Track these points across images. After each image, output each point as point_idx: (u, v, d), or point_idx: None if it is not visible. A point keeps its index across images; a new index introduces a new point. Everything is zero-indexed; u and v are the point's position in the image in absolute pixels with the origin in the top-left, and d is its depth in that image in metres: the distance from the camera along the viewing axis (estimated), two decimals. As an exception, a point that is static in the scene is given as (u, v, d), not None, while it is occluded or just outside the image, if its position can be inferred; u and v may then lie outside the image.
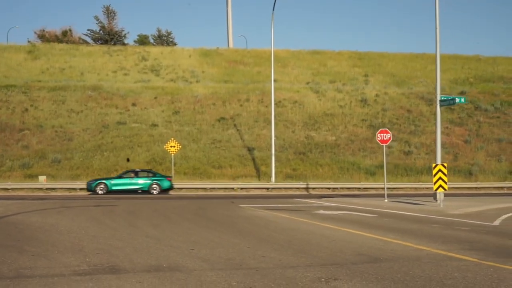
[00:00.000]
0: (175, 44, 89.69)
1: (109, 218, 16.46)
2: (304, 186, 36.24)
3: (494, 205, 22.12)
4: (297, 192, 35.54)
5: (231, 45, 78.85)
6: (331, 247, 10.20)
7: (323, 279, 7.20)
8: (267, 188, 36.29)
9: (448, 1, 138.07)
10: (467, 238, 11.85)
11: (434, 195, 21.99)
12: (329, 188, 37.09)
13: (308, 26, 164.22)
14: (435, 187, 20.14)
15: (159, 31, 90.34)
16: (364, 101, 52.93)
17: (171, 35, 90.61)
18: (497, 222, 15.73)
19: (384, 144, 25.04)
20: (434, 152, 41.87)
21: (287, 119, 48.92)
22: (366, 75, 61.62)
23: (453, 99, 22.13)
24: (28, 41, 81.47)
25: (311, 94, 54.14)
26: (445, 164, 20.46)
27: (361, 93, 54.90)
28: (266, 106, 50.69)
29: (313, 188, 36.03)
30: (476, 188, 38.47)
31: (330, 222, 15.40)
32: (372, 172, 40.85)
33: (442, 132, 45.25)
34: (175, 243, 10.80)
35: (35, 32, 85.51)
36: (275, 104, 49.62)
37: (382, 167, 39.74)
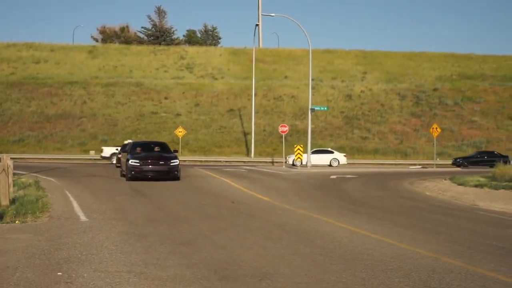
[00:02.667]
0: (220, 38, 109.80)
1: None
2: (270, 160, 55.30)
3: (341, 169, 40.52)
4: (263, 163, 54.38)
5: (261, 45, 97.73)
6: (206, 186, 29.40)
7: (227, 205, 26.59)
8: (244, 161, 55.58)
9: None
10: (291, 181, 30.80)
11: (295, 163, 40.98)
12: (284, 161, 55.90)
13: (325, 25, 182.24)
14: (295, 158, 39.07)
15: (205, 26, 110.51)
16: (349, 96, 71.09)
17: (216, 30, 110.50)
18: (332, 176, 34.40)
19: (283, 134, 43.90)
20: (387, 138, 60.42)
21: (281, 111, 67.81)
22: (365, 73, 79.40)
23: (313, 108, 40.74)
24: (92, 37, 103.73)
25: (307, 90, 72.49)
26: (302, 146, 39.31)
27: (350, 89, 72.99)
28: (268, 100, 69.87)
29: (276, 162, 54.85)
30: (379, 164, 55.54)
31: (225, 175, 34.48)
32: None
33: (399, 122, 63.53)
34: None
35: (97, 29, 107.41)
36: (276, 98, 68.90)
37: (341, 148, 58.53)
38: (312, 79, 76.09)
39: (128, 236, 10.45)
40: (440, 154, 58.50)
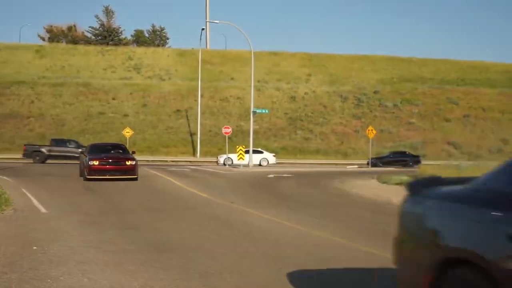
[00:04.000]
0: (168, 39, 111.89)
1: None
2: (215, 160, 57.94)
3: (281, 169, 43.40)
4: (208, 163, 56.96)
5: (208, 46, 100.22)
6: (151, 184, 31.74)
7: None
8: (190, 161, 58.08)
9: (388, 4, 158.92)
10: (231, 179, 33.38)
11: (238, 164, 43.78)
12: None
13: (272, 27, 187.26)
14: (237, 158, 41.80)
15: (153, 26, 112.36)
16: (293, 98, 74.26)
17: (164, 30, 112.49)
18: (271, 176, 37.10)
19: (226, 135, 46.62)
20: (328, 138, 63.63)
21: (227, 112, 70.54)
22: (309, 75, 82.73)
23: (255, 111, 43.56)
24: (39, 36, 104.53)
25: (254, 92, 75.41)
26: (243, 146, 42.05)
27: (294, 91, 76.17)
28: (215, 101, 72.49)
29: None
30: (319, 164, 58.76)
31: (169, 174, 36.88)
32: (276, 152, 62.26)
33: (341, 123, 66.86)
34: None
35: (44, 28, 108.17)
36: (222, 99, 71.47)
37: (284, 148, 61.58)
38: (258, 81, 79.12)
39: (84, 223, 12.97)
40: (378, 155, 62.08)
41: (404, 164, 54.09)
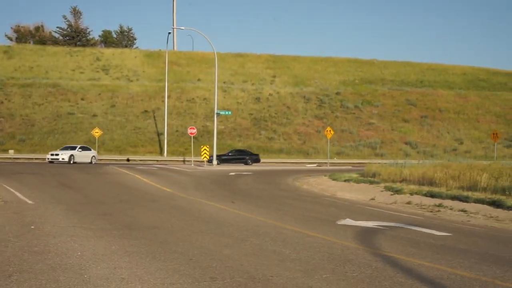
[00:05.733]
0: (135, 39, 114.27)
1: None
2: (182, 159, 60.86)
3: (244, 167, 46.48)
4: (175, 162, 59.85)
5: (175, 48, 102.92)
6: (121, 180, 34.61)
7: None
8: (157, 160, 60.89)
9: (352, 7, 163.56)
10: (195, 177, 36.30)
11: (202, 163, 46.80)
12: (193, 160, 61.63)
13: (238, 29, 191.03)
14: (202, 157, 44.79)
15: (121, 27, 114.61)
16: (258, 99, 77.41)
17: (132, 31, 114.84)
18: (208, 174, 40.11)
19: (192, 135, 49.58)
20: (291, 138, 66.80)
21: (194, 112, 73.41)
22: (274, 76, 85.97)
23: (218, 113, 46.64)
24: (6, 36, 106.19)
25: (220, 93, 78.43)
26: (208, 146, 45.07)
27: (259, 92, 79.33)
28: (182, 102, 75.33)
29: (187, 160, 60.40)
30: (282, 162, 62.18)
31: (137, 172, 39.70)
32: (240, 152, 65.37)
33: (303, 124, 70.11)
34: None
35: (11, 28, 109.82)
36: (189, 100, 74.26)
37: (248, 148, 64.57)
38: (224, 82, 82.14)
39: (67, 211, 15.90)
40: (338, 154, 65.54)
41: (244, 162, 56.63)
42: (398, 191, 24.77)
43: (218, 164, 52.80)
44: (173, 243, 10.94)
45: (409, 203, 21.65)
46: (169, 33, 65.32)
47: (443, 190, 23.95)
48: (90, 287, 7.46)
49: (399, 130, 73.01)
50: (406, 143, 69.80)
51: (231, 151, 59.03)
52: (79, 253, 9.59)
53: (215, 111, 48.89)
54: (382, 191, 25.95)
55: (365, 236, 12.56)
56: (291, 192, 25.71)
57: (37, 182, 27.01)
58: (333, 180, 33.05)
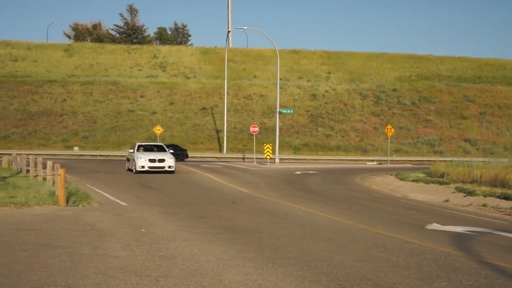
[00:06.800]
0: (189, 36, 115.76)
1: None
2: (241, 156, 61.77)
3: (305, 165, 47.11)
4: (235, 159, 60.77)
5: (230, 44, 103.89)
6: (194, 180, 35.65)
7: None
8: (217, 157, 61.94)
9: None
10: (262, 176, 37.23)
11: (267, 160, 47.58)
12: (255, 158, 62.46)
13: (293, 26, 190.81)
14: (265, 155, 45.58)
15: (175, 24, 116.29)
16: (314, 96, 77.87)
17: (186, 27, 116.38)
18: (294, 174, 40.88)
19: (254, 133, 50.40)
20: (348, 135, 67.17)
21: (251, 109, 74.31)
22: (329, 73, 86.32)
23: (281, 111, 47.31)
24: (64, 34, 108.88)
25: (275, 89, 79.04)
26: (271, 144, 45.82)
27: (315, 89, 79.78)
28: (239, 99, 76.31)
29: (247, 158, 61.33)
30: (340, 160, 62.50)
31: (205, 170, 40.76)
32: (298, 149, 66.04)
33: (360, 121, 70.39)
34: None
35: (70, 26, 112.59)
36: (245, 97, 75.18)
37: (306, 145, 65.30)
38: (280, 79, 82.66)
39: (164, 214, 16.76)
40: (397, 151, 65.57)
41: (176, 157, 55.01)
42: (470, 193, 25.02)
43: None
44: (282, 248, 11.63)
45: (484, 205, 21.92)
46: (229, 31, 66.30)
47: (517, 192, 24.15)
48: (233, 292, 8.20)
49: (457, 127, 72.60)
50: (465, 140, 69.41)
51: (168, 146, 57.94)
52: (203, 258, 10.35)
53: (278, 110, 49.62)
54: (454, 192, 26.24)
55: (460, 242, 13.06)
56: (363, 193, 26.22)
57: (116, 182, 28.12)
58: (401, 180, 33.41)
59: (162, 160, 33.47)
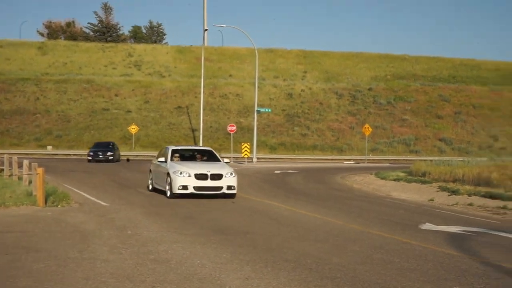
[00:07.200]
0: (164, 35, 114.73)
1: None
2: (218, 156, 61.10)
3: (283, 165, 46.65)
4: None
5: (206, 43, 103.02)
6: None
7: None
8: (194, 157, 61.19)
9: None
10: (242, 175, 36.54)
11: (245, 159, 47.02)
12: (232, 157, 61.79)
13: (269, 25, 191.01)
14: (242, 154, 45.01)
15: (150, 23, 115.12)
16: (290, 95, 77.44)
17: (161, 26, 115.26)
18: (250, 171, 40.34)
19: (231, 132, 49.81)
20: (325, 135, 66.84)
21: (227, 108, 73.66)
22: (305, 72, 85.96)
23: (259, 110, 46.77)
24: (38, 32, 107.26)
25: (252, 89, 78.40)
26: (249, 144, 45.26)
27: (291, 88, 79.36)
28: (215, 98, 75.62)
29: (224, 157, 60.58)
30: (317, 159, 62.02)
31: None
32: (274, 148, 65.56)
33: (336, 120, 70.08)
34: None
35: (43, 24, 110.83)
36: (221, 96, 74.55)
37: (282, 144, 64.85)
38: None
39: (148, 214, 16.13)
40: (373, 151, 65.42)
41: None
42: (455, 192, 24.78)
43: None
44: (277, 250, 11.10)
45: (471, 204, 21.58)
46: (206, 30, 65.66)
47: (501, 191, 23.93)
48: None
49: (432, 126, 72.71)
50: (440, 140, 69.57)
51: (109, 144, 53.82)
52: (198, 262, 9.77)
53: (256, 109, 49.07)
54: (437, 191, 25.99)
55: (459, 243, 12.65)
56: (346, 192, 25.85)
57: (94, 181, 27.41)
58: (382, 179, 33.13)
59: (217, 177, 20.47)
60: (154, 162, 23.50)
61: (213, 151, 24.38)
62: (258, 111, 49.38)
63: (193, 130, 67.91)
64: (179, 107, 72.84)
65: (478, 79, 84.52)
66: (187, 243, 11.60)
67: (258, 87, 76.34)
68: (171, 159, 21.76)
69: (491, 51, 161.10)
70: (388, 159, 61.73)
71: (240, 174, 35.56)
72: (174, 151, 22.48)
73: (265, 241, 12.14)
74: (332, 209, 18.75)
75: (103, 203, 18.61)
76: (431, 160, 38.88)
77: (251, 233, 13.14)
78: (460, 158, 42.46)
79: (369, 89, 79.60)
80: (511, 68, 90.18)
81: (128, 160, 54.14)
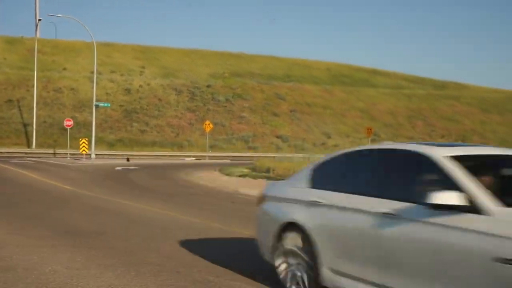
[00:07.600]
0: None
1: None
2: (52, 151, 58.07)
3: (122, 161, 45.01)
4: (45, 155, 56.83)
5: (38, 35, 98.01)
6: (9, 177, 32.08)
7: None
8: (26, 153, 57.69)
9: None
10: (82, 172, 34.18)
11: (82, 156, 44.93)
12: (69, 153, 59.09)
13: (104, 17, 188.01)
14: (80, 150, 42.86)
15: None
16: (128, 91, 75.44)
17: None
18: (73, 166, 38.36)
19: (68, 127, 47.42)
20: (164, 131, 65.53)
21: (62, 103, 70.31)
22: (143, 67, 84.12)
23: (97, 105, 44.83)
24: None
25: (87, 83, 75.57)
26: (87, 139, 43.18)
27: (129, 83, 77.34)
28: (48, 92, 71.92)
29: (59, 153, 57.74)
30: (157, 156, 61.04)
31: (17, 166, 37.17)
32: (112, 144, 63.42)
33: (176, 116, 69.06)
34: None
35: None
36: (55, 90, 71.10)
37: (121, 140, 62.81)
38: (91, 72, 79.15)
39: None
40: (212, 147, 65.25)
41: None
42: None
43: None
44: (138, 252, 10.08)
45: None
46: (39, 20, 62.12)
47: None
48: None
49: (270, 123, 73.96)
50: (277, 137, 70.87)
51: None
52: (49, 268, 8.53)
53: (94, 103, 46.98)
54: (284, 186, 25.84)
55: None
56: (195, 189, 25.12)
57: None
58: (226, 175, 32.78)
59: None
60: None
61: None
62: (97, 106, 47.30)
63: (25, 125, 64.18)
64: (10, 100, 68.57)
65: (311, 79, 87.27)
66: (33, 247, 10.24)
67: (94, 81, 74.05)
68: None
69: (322, 52, 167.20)
70: (228, 156, 61.78)
71: (80, 171, 33.91)
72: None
73: (121, 242, 11.05)
74: (184, 206, 17.92)
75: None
76: (273, 157, 39.12)
77: (104, 234, 11.96)
78: (300, 155, 43.31)
79: (208, 86, 79.51)
80: (340, 68, 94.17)
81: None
